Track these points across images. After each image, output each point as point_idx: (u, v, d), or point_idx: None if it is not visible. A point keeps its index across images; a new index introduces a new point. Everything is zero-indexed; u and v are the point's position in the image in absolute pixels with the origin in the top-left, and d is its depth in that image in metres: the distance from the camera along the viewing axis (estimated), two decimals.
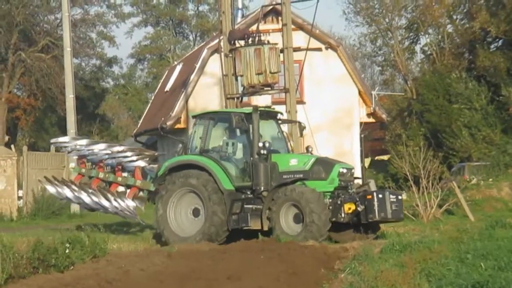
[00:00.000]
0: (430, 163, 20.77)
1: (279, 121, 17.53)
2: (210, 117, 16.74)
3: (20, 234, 15.83)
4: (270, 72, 18.90)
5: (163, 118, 30.64)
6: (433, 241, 12.90)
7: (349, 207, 15.36)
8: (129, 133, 54.48)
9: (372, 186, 16.51)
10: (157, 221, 16.19)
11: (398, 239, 13.77)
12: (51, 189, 18.16)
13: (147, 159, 17.40)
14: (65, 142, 18.62)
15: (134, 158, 17.29)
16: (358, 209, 15.24)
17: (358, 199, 15.31)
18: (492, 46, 41.30)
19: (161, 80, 40.97)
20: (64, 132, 33.04)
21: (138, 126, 38.70)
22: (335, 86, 30.67)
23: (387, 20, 46.99)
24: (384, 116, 32.87)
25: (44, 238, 12.52)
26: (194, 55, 33.94)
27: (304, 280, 10.39)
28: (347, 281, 10.30)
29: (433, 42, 44.93)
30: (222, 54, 20.16)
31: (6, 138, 47.37)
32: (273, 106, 19.17)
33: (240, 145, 16.27)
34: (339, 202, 15.42)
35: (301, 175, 15.67)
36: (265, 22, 28.92)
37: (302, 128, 17.81)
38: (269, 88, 19.52)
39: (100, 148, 17.69)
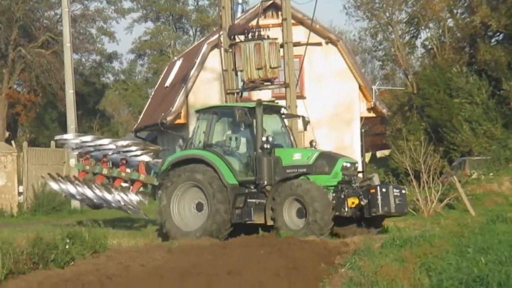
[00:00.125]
0: (431, 158, 20.72)
1: (283, 116, 17.49)
2: (214, 112, 16.70)
3: (21, 230, 15.81)
4: (270, 67, 18.89)
5: (163, 114, 30.63)
6: (434, 236, 12.85)
7: (352, 201, 15.29)
8: (129, 128, 54.49)
9: (376, 180, 16.40)
10: (160, 212, 16.20)
11: (399, 233, 13.72)
12: (54, 185, 18.15)
13: (152, 153, 17.38)
14: (70, 139, 18.59)
15: (139, 152, 17.28)
16: (362, 203, 15.17)
17: (361, 193, 15.24)
18: (492, 40, 41.19)
19: (161, 76, 40.97)
20: (64, 128, 33.10)
21: (138, 121, 38.73)
22: (335, 81, 30.65)
23: (387, 14, 46.89)
24: (384, 110, 32.85)
25: (45, 233, 12.52)
26: (194, 50, 33.93)
27: (304, 275, 10.38)
28: (347, 276, 10.28)
29: (434, 37, 44.87)
30: (222, 49, 20.14)
31: (7, 134, 47.44)
32: (276, 101, 19.13)
33: (243, 140, 16.20)
34: (342, 196, 15.37)
35: (305, 169, 15.62)
36: (265, 17, 28.89)
37: (306, 122, 17.64)
38: (269, 83, 19.51)
39: (105, 143, 17.70)
